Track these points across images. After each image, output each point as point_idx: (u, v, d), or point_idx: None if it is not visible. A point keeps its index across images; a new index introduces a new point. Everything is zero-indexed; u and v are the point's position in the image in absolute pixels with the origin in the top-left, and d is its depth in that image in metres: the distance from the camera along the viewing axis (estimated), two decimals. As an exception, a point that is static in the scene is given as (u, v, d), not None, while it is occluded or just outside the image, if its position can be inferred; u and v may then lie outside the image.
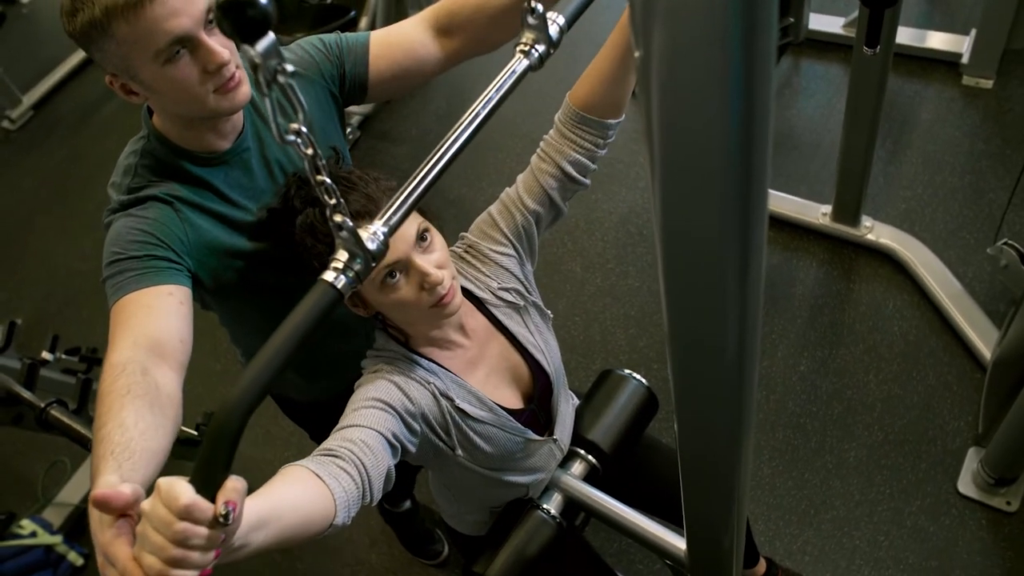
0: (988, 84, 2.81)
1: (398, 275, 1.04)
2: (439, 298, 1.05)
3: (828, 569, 1.97)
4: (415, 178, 0.65)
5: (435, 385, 1.11)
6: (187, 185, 1.16)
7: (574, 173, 1.19)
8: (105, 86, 1.11)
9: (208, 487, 0.62)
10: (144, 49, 1.01)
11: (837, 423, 2.19)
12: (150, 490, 0.68)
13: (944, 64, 2.90)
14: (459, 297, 1.09)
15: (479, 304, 1.23)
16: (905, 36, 2.91)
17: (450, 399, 1.13)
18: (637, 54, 0.42)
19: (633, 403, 1.42)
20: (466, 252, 1.24)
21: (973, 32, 2.81)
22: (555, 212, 1.23)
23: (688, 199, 0.47)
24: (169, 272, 1.08)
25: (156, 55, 1.01)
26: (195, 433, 2.11)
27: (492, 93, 0.70)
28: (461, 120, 0.68)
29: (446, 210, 2.95)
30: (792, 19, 2.84)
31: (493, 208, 1.24)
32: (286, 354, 0.57)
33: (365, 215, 0.98)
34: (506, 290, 1.24)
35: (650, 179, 0.48)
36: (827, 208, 2.53)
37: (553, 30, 0.77)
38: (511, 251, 1.23)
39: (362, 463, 0.95)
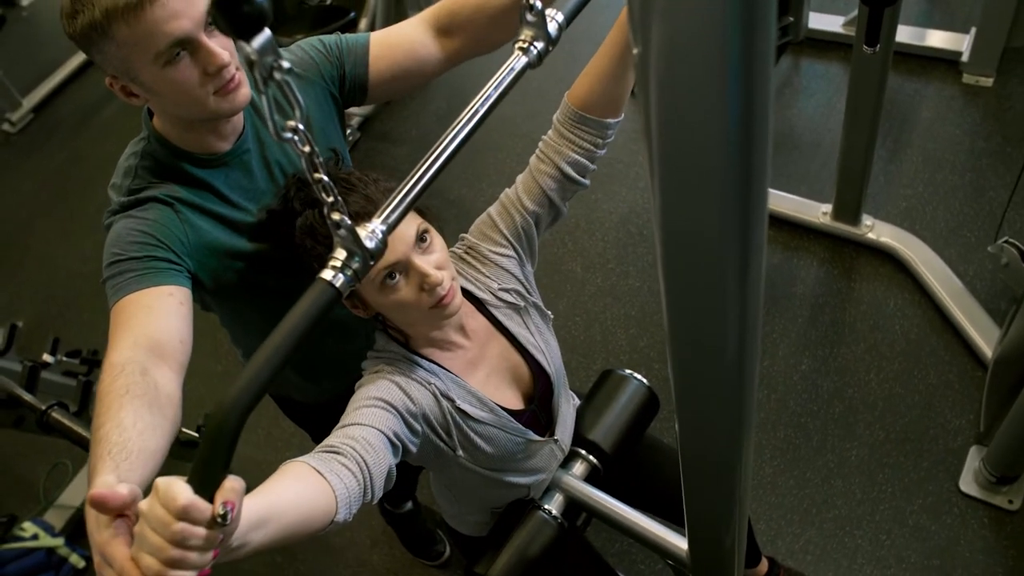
0: (988, 82, 2.81)
1: (398, 276, 1.04)
2: (439, 299, 1.05)
3: (830, 568, 1.97)
4: (413, 176, 0.65)
5: (436, 386, 1.11)
6: (187, 186, 1.16)
7: (573, 174, 1.18)
8: (105, 88, 1.11)
9: (206, 487, 0.62)
10: (144, 51, 1.01)
11: (838, 422, 2.19)
12: (148, 490, 0.68)
13: (944, 62, 2.89)
14: (459, 298, 1.09)
15: (479, 305, 1.23)
16: (905, 35, 2.90)
17: (451, 400, 1.13)
18: (635, 51, 0.42)
19: (634, 403, 1.42)
20: (466, 253, 1.24)
21: (973, 30, 2.81)
22: (555, 213, 1.23)
23: (688, 198, 0.47)
24: (169, 273, 1.08)
25: (156, 57, 1.01)
26: (196, 435, 2.11)
27: (491, 91, 0.70)
28: (460, 118, 0.68)
29: (446, 211, 2.95)
30: (792, 18, 2.84)
31: (492, 209, 1.24)
32: (284, 353, 0.57)
33: (364, 216, 0.98)
34: (506, 291, 1.24)
35: (650, 178, 0.48)
36: (827, 207, 2.53)
37: (552, 27, 0.77)
38: (511, 252, 1.23)
39: (364, 460, 0.95)
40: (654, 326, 2.52)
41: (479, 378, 1.20)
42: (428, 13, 1.28)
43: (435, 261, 1.06)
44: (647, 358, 2.46)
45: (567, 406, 1.36)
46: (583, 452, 1.37)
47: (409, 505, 2.11)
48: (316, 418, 1.61)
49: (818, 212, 2.55)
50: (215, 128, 1.16)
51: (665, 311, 0.58)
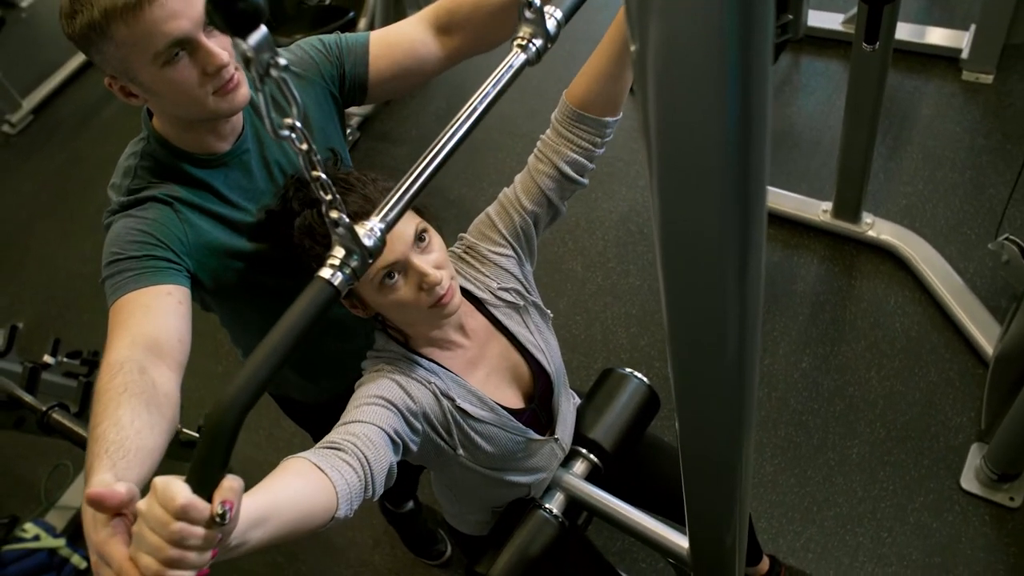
0: (988, 79, 2.80)
1: (396, 276, 1.03)
2: (438, 298, 1.05)
3: (831, 566, 1.97)
4: (412, 174, 0.65)
5: (436, 385, 1.11)
6: (187, 186, 1.16)
7: (572, 173, 1.18)
8: (105, 89, 1.11)
9: (205, 486, 0.62)
10: (143, 51, 1.01)
11: (839, 420, 2.19)
12: (146, 489, 0.68)
13: (944, 59, 2.89)
14: (458, 297, 1.09)
15: (479, 304, 1.23)
16: (904, 32, 2.90)
17: (451, 399, 1.13)
18: (633, 49, 0.42)
19: (635, 402, 1.42)
20: (465, 253, 1.24)
21: (973, 27, 2.80)
22: (553, 212, 1.23)
23: (687, 197, 0.47)
24: (168, 272, 1.08)
25: (155, 57, 1.01)
26: (196, 435, 2.11)
27: (489, 88, 0.70)
28: (458, 116, 0.68)
29: (446, 210, 2.95)
30: (791, 15, 2.83)
31: (491, 209, 1.24)
32: (283, 352, 0.57)
33: (362, 216, 0.98)
34: (506, 290, 1.23)
35: (648, 177, 0.48)
36: (828, 205, 2.53)
37: (550, 24, 0.77)
38: (510, 252, 1.23)
39: (364, 456, 0.95)
40: (655, 325, 2.52)
41: (479, 377, 1.20)
42: (427, 12, 1.28)
43: (434, 260, 1.05)
44: (648, 357, 2.46)
45: (567, 405, 1.36)
46: (584, 451, 1.37)
47: (410, 505, 2.11)
48: (317, 418, 1.61)
49: (818, 210, 2.55)
50: (214, 128, 1.16)
51: (665, 310, 0.58)
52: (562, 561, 1.35)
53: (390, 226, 0.63)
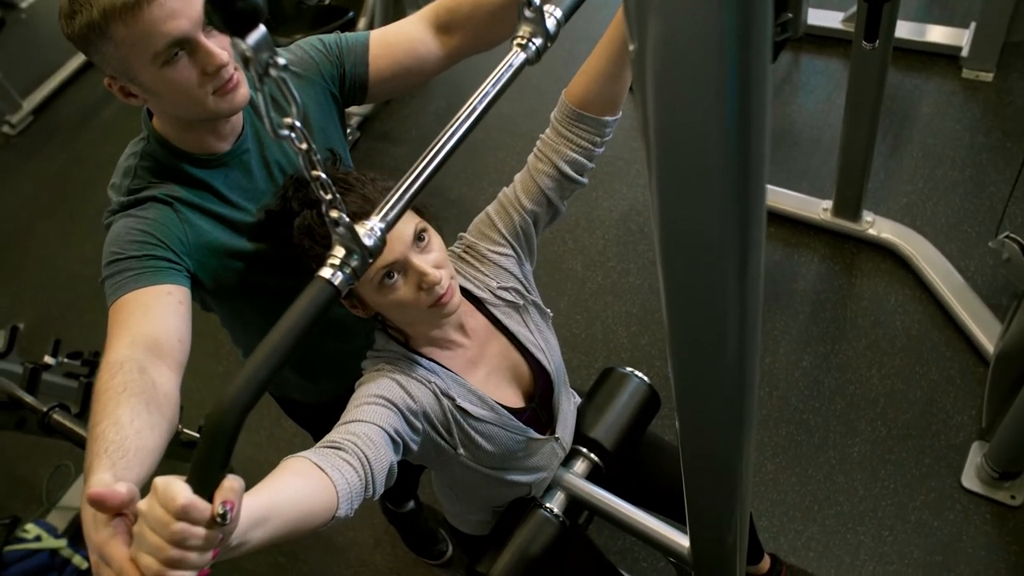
0: (988, 77, 2.80)
1: (396, 276, 1.03)
2: (437, 298, 1.05)
3: (832, 565, 1.97)
4: (412, 173, 0.65)
5: (436, 384, 1.11)
6: (187, 187, 1.16)
7: (571, 172, 1.18)
8: (104, 90, 1.11)
9: (205, 486, 0.62)
10: (142, 51, 1.01)
11: (840, 419, 2.19)
12: (145, 489, 0.68)
13: (944, 58, 2.89)
14: (458, 296, 1.09)
15: (479, 304, 1.23)
16: (904, 30, 2.90)
17: (451, 398, 1.13)
18: (632, 47, 0.42)
19: (635, 401, 1.42)
20: (465, 252, 1.24)
21: (973, 25, 2.80)
22: (553, 211, 1.23)
23: (686, 195, 0.47)
24: (168, 272, 1.08)
25: (154, 57, 1.01)
26: (197, 435, 2.11)
27: (489, 87, 0.70)
28: (458, 115, 0.68)
29: (446, 210, 2.95)
30: (790, 14, 2.83)
31: (491, 208, 1.24)
32: (283, 352, 0.57)
33: (362, 216, 0.98)
34: (505, 289, 1.23)
35: (648, 175, 0.48)
36: (828, 203, 2.53)
37: (550, 23, 0.76)
38: (509, 251, 1.23)
39: (365, 455, 0.95)
40: (655, 324, 2.52)
41: (479, 377, 1.20)
42: (427, 11, 1.28)
43: (433, 260, 1.05)
44: (648, 356, 2.46)
45: (568, 404, 1.36)
46: (584, 450, 1.37)
47: (411, 504, 2.11)
48: (317, 418, 1.61)
49: (818, 208, 2.55)
50: (214, 128, 1.16)
51: (665, 309, 0.58)
52: (563, 560, 1.35)
53: (390, 226, 0.63)
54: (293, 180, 1.13)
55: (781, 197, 2.62)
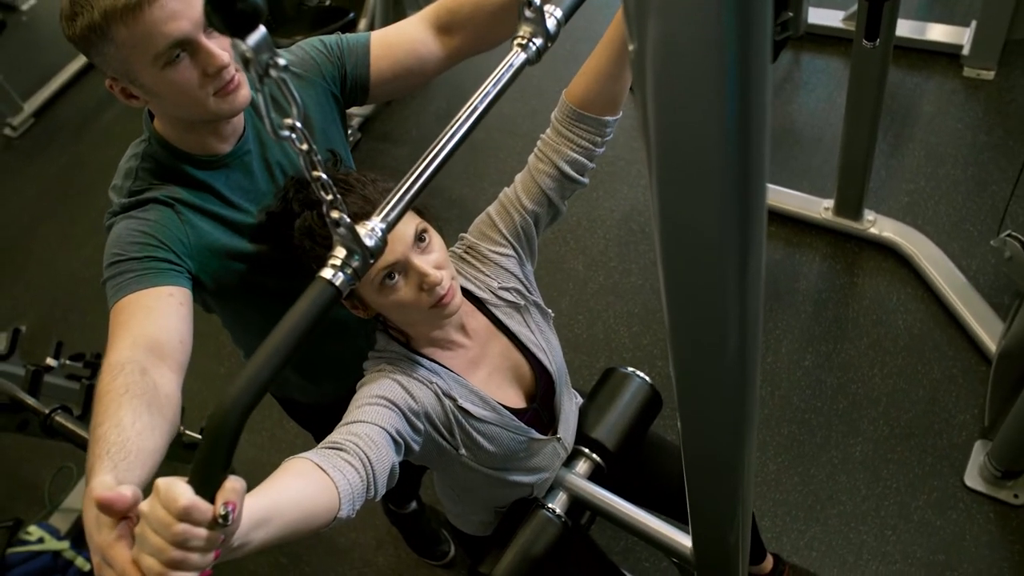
0: (989, 75, 2.80)
1: (397, 276, 1.03)
2: (438, 298, 1.05)
3: (835, 564, 1.97)
4: (412, 174, 0.65)
5: (438, 385, 1.11)
6: (188, 188, 1.16)
7: (572, 173, 1.18)
8: (106, 91, 1.11)
9: (207, 487, 0.62)
10: (143, 53, 1.01)
11: (842, 418, 2.19)
12: (147, 490, 0.68)
13: (945, 56, 2.89)
14: (459, 297, 1.09)
15: (480, 304, 1.23)
16: (905, 29, 2.90)
17: (453, 399, 1.13)
18: (631, 47, 0.42)
19: (637, 401, 1.42)
20: (466, 253, 1.24)
21: (973, 23, 2.80)
22: (554, 212, 1.23)
23: (686, 195, 0.47)
24: (169, 273, 1.08)
25: (155, 58, 1.01)
26: (199, 436, 2.11)
27: (490, 87, 0.70)
28: (458, 115, 0.68)
29: (448, 210, 2.95)
30: (791, 13, 2.83)
31: (492, 209, 1.24)
32: (284, 353, 0.57)
33: (362, 217, 0.98)
34: (506, 290, 1.23)
35: (649, 175, 0.48)
36: (829, 202, 2.53)
37: (550, 23, 0.77)
38: (510, 251, 1.23)
39: (367, 456, 0.95)
40: (657, 323, 2.52)
41: (481, 377, 1.20)
42: (428, 11, 1.28)
43: (434, 261, 1.05)
44: (650, 356, 2.46)
45: (569, 404, 1.36)
46: (586, 450, 1.37)
47: (413, 505, 2.11)
48: (319, 419, 1.61)
49: (820, 208, 2.55)
50: (216, 129, 1.16)
51: (666, 309, 0.58)
52: (565, 561, 1.35)
53: (391, 226, 0.63)
54: (294, 181, 1.13)
55: (782, 196, 2.62)
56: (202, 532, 0.63)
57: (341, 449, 0.94)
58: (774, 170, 2.70)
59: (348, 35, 1.28)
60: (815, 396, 2.25)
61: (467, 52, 1.29)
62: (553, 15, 0.77)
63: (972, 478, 2.00)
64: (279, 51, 0.49)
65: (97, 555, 0.71)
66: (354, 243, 0.60)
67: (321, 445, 0.96)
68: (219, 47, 1.04)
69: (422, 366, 1.12)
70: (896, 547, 1.96)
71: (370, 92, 1.29)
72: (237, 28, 0.46)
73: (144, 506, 0.64)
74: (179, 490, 0.61)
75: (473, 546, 1.45)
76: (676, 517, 1.45)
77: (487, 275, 1.23)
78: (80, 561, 2.37)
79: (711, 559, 1.10)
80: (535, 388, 1.26)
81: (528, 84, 3.21)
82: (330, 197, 0.59)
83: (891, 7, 1.89)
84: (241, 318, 1.35)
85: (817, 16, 3.09)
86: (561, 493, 1.34)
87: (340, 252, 0.61)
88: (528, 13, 0.76)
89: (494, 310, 1.23)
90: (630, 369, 1.45)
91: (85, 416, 2.05)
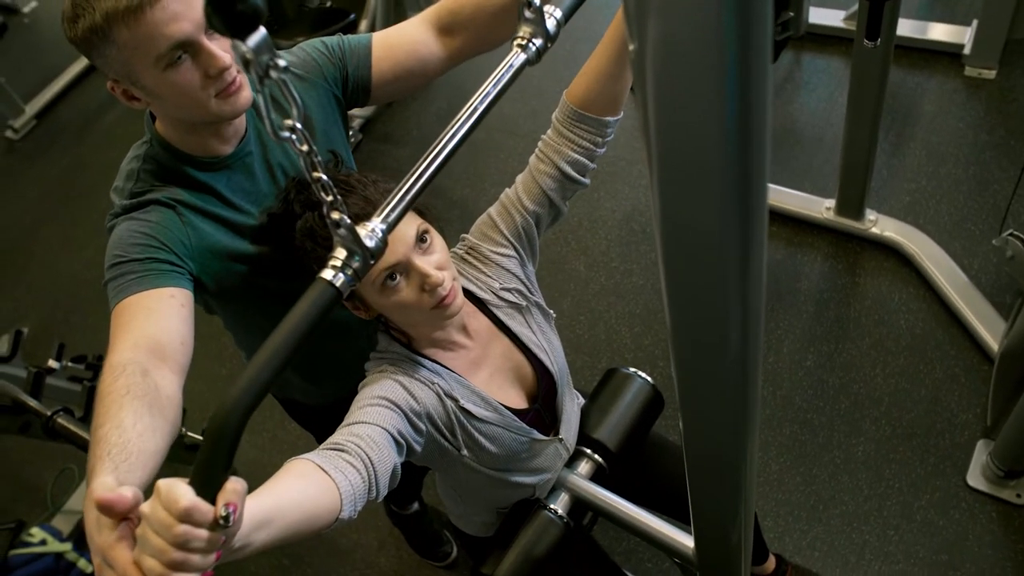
0: (991, 75, 2.80)
1: (398, 277, 1.03)
2: (440, 299, 1.05)
3: (838, 564, 1.96)
4: (413, 174, 0.65)
5: (439, 385, 1.11)
6: (190, 189, 1.17)
7: (573, 173, 1.18)
8: (107, 94, 1.11)
9: (208, 489, 0.62)
10: (145, 54, 1.01)
11: (844, 418, 2.19)
12: (148, 492, 0.68)
13: (946, 55, 2.88)
14: (460, 298, 1.09)
15: (481, 305, 1.23)
16: (906, 28, 2.89)
17: (454, 399, 1.13)
18: (631, 47, 0.42)
19: (639, 401, 1.41)
20: (467, 254, 1.24)
21: (975, 23, 2.80)
22: (555, 212, 1.23)
23: (687, 195, 0.47)
24: (171, 275, 1.09)
25: (157, 60, 1.01)
26: (201, 438, 2.11)
27: (490, 88, 0.70)
28: (459, 116, 0.68)
29: (449, 211, 2.95)
30: (792, 13, 2.83)
31: (493, 209, 1.24)
32: (285, 354, 0.57)
33: (363, 218, 0.98)
34: (508, 290, 1.23)
35: (649, 175, 0.48)
36: (831, 202, 2.53)
37: (550, 24, 0.77)
38: (512, 252, 1.23)
39: (368, 457, 0.95)
40: (658, 324, 2.51)
41: (482, 378, 1.20)
42: (429, 12, 1.28)
43: (435, 262, 1.05)
44: (652, 356, 2.46)
45: (571, 405, 1.36)
46: (588, 451, 1.37)
47: (415, 506, 2.11)
48: (321, 420, 1.61)
49: (821, 207, 2.55)
50: (217, 131, 1.16)
51: (667, 309, 0.58)
52: (567, 562, 1.35)
53: (392, 227, 0.63)
54: (295, 182, 1.13)
55: (783, 196, 2.62)
56: (203, 533, 0.63)
57: (343, 450, 0.94)
58: (775, 170, 2.70)
59: (350, 36, 1.28)
60: (817, 396, 2.24)
61: (468, 53, 1.29)
62: (553, 16, 0.77)
63: (975, 478, 2.00)
64: (279, 52, 0.49)
65: (98, 556, 0.71)
66: (355, 244, 0.60)
67: (323, 446, 0.96)
68: (220, 48, 1.04)
69: (424, 367, 1.12)
70: (899, 547, 1.95)
71: (372, 93, 1.29)
72: (237, 29, 0.46)
73: (145, 507, 0.64)
74: (180, 491, 0.61)
75: (475, 547, 1.45)
76: (678, 518, 1.45)
77: (488, 276, 1.23)
78: (82, 563, 2.37)
79: (713, 559, 1.09)
80: (537, 389, 1.26)
81: (528, 84, 3.21)
82: (331, 198, 0.59)
83: (892, 7, 1.88)
84: (242, 319, 1.35)
85: (818, 16, 3.09)
86: (563, 494, 1.34)
87: (341, 253, 0.61)
88: (528, 14, 0.76)
89: (496, 311, 1.23)
90: (632, 369, 1.45)
91: (87, 418, 2.04)
